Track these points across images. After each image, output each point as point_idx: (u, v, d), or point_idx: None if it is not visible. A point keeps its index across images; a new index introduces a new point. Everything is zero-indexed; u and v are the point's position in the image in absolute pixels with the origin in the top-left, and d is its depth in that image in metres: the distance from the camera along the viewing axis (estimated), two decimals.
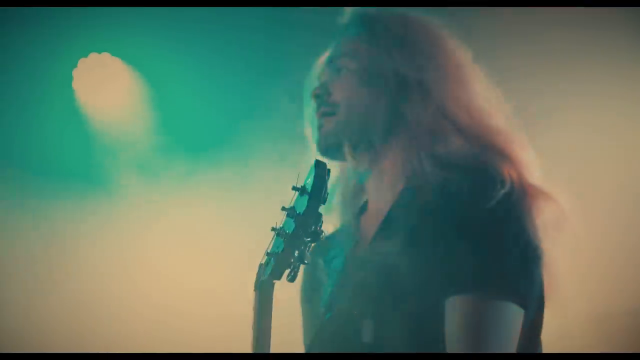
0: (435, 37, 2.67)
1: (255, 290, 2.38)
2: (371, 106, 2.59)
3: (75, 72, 5.89)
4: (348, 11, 2.76)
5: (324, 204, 2.21)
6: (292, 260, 2.27)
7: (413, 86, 2.57)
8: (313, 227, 2.20)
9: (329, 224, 2.74)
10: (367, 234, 2.63)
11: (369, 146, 2.60)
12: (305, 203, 2.19)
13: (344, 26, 2.76)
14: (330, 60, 2.71)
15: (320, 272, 2.70)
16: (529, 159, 2.53)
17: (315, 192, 2.17)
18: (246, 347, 2.37)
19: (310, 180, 2.20)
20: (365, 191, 2.71)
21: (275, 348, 2.34)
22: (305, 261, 2.24)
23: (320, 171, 2.19)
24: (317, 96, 2.67)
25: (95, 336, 5.83)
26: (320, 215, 2.21)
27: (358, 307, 2.46)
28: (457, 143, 2.51)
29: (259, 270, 2.41)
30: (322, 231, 2.22)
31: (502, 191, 2.36)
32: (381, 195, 2.63)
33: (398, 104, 2.57)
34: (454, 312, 2.32)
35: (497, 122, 2.59)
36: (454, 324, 2.32)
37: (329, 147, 2.64)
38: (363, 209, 2.73)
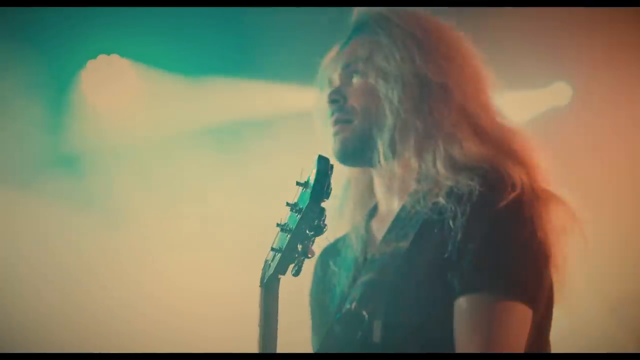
0: (453, 38, 2.66)
1: (260, 286, 2.38)
2: (391, 111, 2.56)
3: (83, 73, 5.90)
4: (358, 11, 2.73)
5: (327, 199, 2.22)
6: (296, 255, 2.28)
7: (435, 89, 2.56)
8: (316, 222, 2.21)
9: (340, 227, 2.76)
10: (376, 235, 2.64)
11: (388, 152, 2.58)
12: (308, 197, 2.20)
13: (354, 26, 2.72)
14: (346, 65, 2.67)
15: (330, 274, 2.72)
16: (542, 161, 2.54)
17: (317, 187, 2.18)
18: (252, 346, 2.36)
19: (313, 175, 2.21)
20: (375, 193, 2.71)
21: (282, 347, 2.35)
22: (309, 255, 2.26)
23: (323, 166, 2.20)
24: (333, 101, 2.63)
25: (96, 336, 5.83)
26: (323, 209, 2.21)
27: (368, 307, 2.47)
28: (473, 145, 2.52)
29: (264, 267, 2.42)
30: (325, 225, 2.23)
31: (513, 194, 2.38)
32: (391, 198, 2.63)
33: (419, 107, 2.56)
34: (463, 311, 2.33)
35: (511, 122, 2.61)
36: (462, 323, 2.33)
37: (348, 155, 2.62)
38: (373, 211, 2.74)
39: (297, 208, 2.23)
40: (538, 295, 2.38)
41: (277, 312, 2.33)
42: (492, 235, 2.35)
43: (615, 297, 5.85)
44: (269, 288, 2.35)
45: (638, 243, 5.82)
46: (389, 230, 2.57)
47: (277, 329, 2.32)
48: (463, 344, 2.32)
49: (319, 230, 2.21)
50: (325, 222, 2.21)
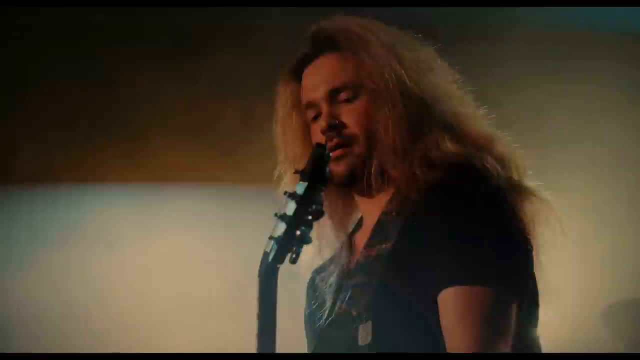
0: (427, 52, 2.71)
1: (258, 277, 2.37)
2: (385, 133, 2.59)
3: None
4: (319, 27, 2.73)
5: (324, 186, 2.26)
6: (294, 242, 2.29)
7: (418, 104, 2.60)
8: (315, 206, 2.23)
9: (324, 250, 2.81)
10: (361, 244, 2.68)
11: (378, 175, 2.62)
12: (307, 183, 2.24)
13: (321, 43, 2.71)
14: (333, 89, 2.67)
15: (321, 289, 2.76)
16: (520, 157, 2.60)
17: (316, 172, 2.23)
18: (252, 340, 2.36)
19: (311, 162, 2.26)
20: (359, 207, 2.77)
21: (280, 340, 2.33)
22: (308, 241, 2.27)
23: (320, 152, 2.26)
24: (332, 128, 2.64)
25: (97, 336, 5.82)
26: (321, 195, 2.25)
27: (356, 307, 2.51)
28: (450, 145, 2.56)
29: (262, 258, 2.41)
30: (324, 211, 2.25)
31: (489, 185, 2.43)
32: (373, 206, 2.68)
33: (406, 125, 2.59)
34: (447, 304, 2.36)
35: (492, 130, 2.66)
36: (447, 316, 2.35)
37: (354, 179, 2.64)
38: (358, 225, 2.79)
39: (295, 195, 2.26)
40: (521, 284, 2.42)
41: (275, 302, 2.31)
42: (470, 225, 2.39)
43: (605, 299, 5.84)
44: (267, 278, 2.34)
45: (629, 244, 5.82)
46: (372, 236, 2.62)
47: (275, 320, 2.30)
48: (449, 337, 2.34)
49: (318, 214, 2.23)
50: (324, 207, 2.24)
